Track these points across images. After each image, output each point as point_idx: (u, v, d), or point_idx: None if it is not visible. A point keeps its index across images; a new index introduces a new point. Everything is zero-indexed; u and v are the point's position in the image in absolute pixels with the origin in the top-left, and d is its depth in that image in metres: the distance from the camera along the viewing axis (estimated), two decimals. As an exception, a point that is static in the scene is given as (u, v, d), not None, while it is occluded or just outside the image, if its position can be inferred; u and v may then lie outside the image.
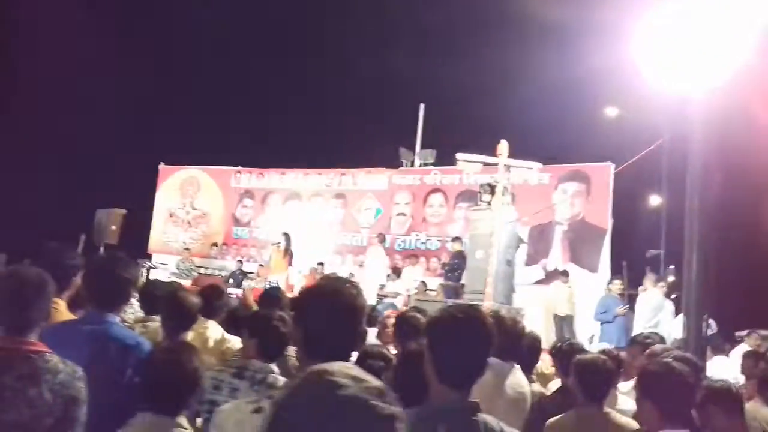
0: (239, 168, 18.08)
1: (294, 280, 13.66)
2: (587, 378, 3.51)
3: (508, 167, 8.86)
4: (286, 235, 13.78)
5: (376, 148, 17.17)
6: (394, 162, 16.84)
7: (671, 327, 9.40)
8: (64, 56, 17.58)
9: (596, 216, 14.06)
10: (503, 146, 8.83)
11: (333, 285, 2.06)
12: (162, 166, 18.75)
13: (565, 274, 12.76)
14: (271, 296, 5.01)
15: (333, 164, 17.23)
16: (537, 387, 4.50)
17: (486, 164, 8.91)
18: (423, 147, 16.99)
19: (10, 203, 16.43)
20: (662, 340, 5.46)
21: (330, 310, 1.91)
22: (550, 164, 14.50)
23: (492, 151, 9.06)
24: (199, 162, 18.52)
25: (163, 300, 3.97)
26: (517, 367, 3.66)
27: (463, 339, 2.01)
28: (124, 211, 16.03)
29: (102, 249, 15.81)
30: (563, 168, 14.49)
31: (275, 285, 9.77)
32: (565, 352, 4.33)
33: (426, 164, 16.53)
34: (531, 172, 8.96)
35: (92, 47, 18.41)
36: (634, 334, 9.57)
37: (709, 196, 5.89)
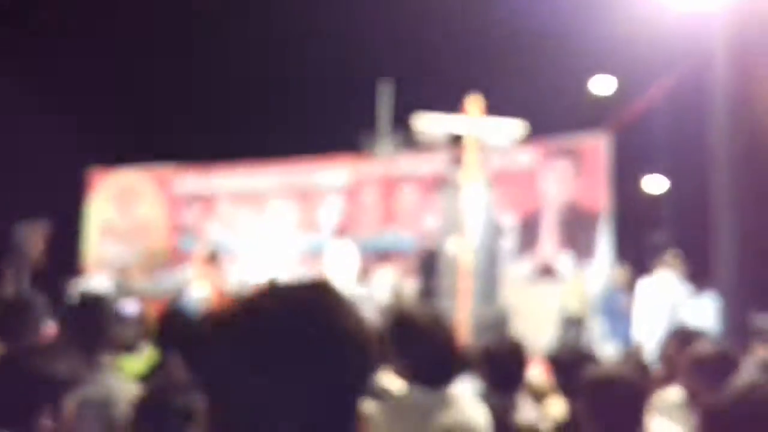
0: (181, 166, 16.59)
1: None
2: (606, 407, 2.21)
3: (480, 129, 7.45)
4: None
5: (336, 137, 15.76)
6: (357, 151, 15.48)
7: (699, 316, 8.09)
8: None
9: (590, 197, 12.84)
10: (474, 102, 7.41)
11: None
12: (91, 170, 17.15)
13: (569, 268, 11.48)
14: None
15: (286, 156, 15.76)
16: (527, 416, 3.20)
17: (452, 126, 7.47)
18: (390, 132, 15.66)
19: None
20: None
21: None
22: (538, 139, 13.30)
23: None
24: (134, 161, 16.96)
25: None
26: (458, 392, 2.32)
27: None
28: (46, 223, 14.57)
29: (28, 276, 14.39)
30: (549, 145, 13.26)
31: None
32: (566, 363, 3.05)
33: (394, 152, 15.21)
34: (509, 134, 7.55)
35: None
36: (650, 327, 8.37)
37: (740, 138, 4.65)
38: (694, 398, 2.59)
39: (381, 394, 2.26)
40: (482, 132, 7.32)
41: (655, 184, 19.79)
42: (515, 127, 7.62)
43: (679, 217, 17.71)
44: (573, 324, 10.88)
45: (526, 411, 3.24)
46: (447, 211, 8.42)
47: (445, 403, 2.16)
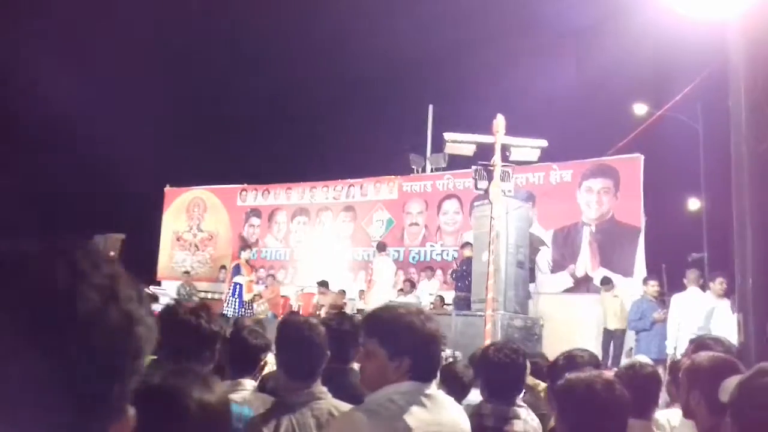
0: (245, 186, 16.84)
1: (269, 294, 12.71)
2: (576, 415, 1.93)
3: (507, 147, 7.22)
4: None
5: (385, 155, 15.69)
6: (404, 169, 15.34)
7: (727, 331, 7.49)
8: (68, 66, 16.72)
9: (627, 214, 12.27)
10: (499, 122, 7.20)
11: None
12: (168, 189, 17.66)
13: (607, 282, 10.89)
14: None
15: (340, 176, 15.85)
16: (523, 426, 2.88)
17: (480, 144, 7.28)
18: (434, 151, 15.42)
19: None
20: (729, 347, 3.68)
21: None
22: (573, 159, 12.93)
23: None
24: (205, 183, 17.37)
25: None
26: (430, 393, 2.01)
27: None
28: (122, 236, 15.00)
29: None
30: (587, 163, 12.76)
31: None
32: (564, 373, 2.73)
33: (438, 169, 14.96)
34: (533, 151, 7.27)
35: (100, 64, 17.58)
36: (679, 340, 7.84)
37: (762, 147, 4.21)
38: (687, 407, 2.25)
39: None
40: (506, 148, 7.07)
41: (693, 201, 18.84)
42: (537, 144, 7.32)
43: (717, 235, 16.78)
44: (615, 337, 10.33)
45: (527, 419, 2.94)
46: (480, 221, 8.10)
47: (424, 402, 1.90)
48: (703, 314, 7.80)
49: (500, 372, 2.86)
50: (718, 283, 7.81)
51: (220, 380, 1.53)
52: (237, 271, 12.60)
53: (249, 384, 3.07)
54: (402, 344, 1.95)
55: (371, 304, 10.11)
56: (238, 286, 12.40)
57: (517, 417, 2.84)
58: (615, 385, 1.98)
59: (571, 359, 2.63)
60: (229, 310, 12.14)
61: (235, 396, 2.73)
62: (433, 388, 1.99)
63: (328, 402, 2.32)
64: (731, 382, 1.72)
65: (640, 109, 17.01)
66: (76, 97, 17.13)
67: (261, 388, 3.31)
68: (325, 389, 2.37)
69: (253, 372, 3.13)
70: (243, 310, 12.35)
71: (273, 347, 3.27)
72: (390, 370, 1.93)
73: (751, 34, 3.85)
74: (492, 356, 2.91)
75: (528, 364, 3.42)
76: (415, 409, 1.88)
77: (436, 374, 2.03)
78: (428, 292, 12.70)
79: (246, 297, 12.48)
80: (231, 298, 12.32)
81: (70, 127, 16.83)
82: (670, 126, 17.30)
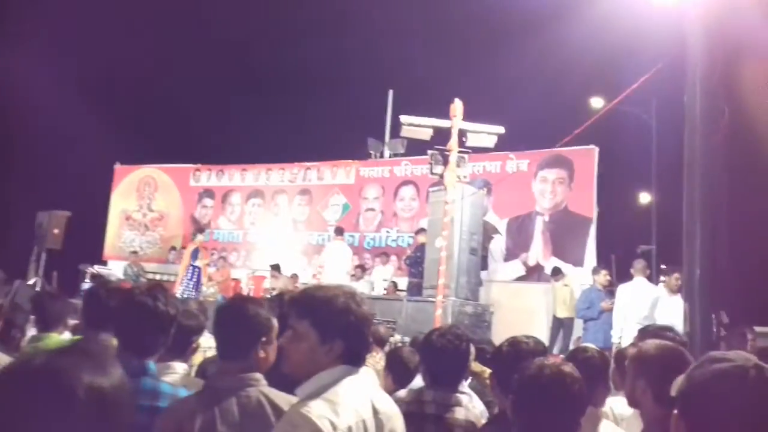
0: (198, 165, 16.38)
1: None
2: (528, 403, 1.83)
3: (464, 132, 7.11)
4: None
5: (343, 139, 15.48)
6: (362, 154, 15.15)
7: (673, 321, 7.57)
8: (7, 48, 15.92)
9: (580, 204, 12.38)
10: (457, 106, 7.08)
11: None
12: (117, 166, 17.04)
13: (557, 272, 10.95)
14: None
15: (297, 159, 15.56)
16: (465, 414, 2.76)
17: (437, 128, 7.16)
18: (392, 136, 15.27)
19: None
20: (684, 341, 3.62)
21: None
22: (532, 149, 12.95)
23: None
24: (157, 161, 16.82)
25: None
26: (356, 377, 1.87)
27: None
28: (68, 214, 14.35)
29: (44, 255, 14.19)
30: (543, 153, 12.81)
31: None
32: (508, 359, 2.60)
33: (396, 155, 14.82)
34: (490, 137, 7.18)
35: (44, 37, 16.78)
36: (624, 329, 7.90)
37: (715, 138, 4.19)
38: (633, 396, 2.16)
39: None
40: (463, 133, 6.97)
41: (643, 194, 19.23)
42: (495, 130, 7.23)
43: (666, 228, 17.17)
44: (560, 324, 10.44)
45: (469, 407, 2.82)
46: (435, 207, 8.01)
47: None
48: (648, 304, 7.87)
49: (443, 358, 2.74)
50: (674, 279, 7.81)
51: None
52: (196, 254, 12.29)
53: (180, 367, 2.87)
54: (336, 327, 1.80)
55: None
56: (197, 270, 12.10)
57: (459, 404, 2.72)
58: (577, 379, 1.87)
59: (516, 345, 2.52)
60: (188, 293, 11.86)
61: (166, 379, 2.54)
62: (364, 372, 1.85)
63: (259, 390, 2.13)
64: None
65: (596, 102, 17.21)
66: (19, 71, 16.34)
67: (202, 374, 3.11)
68: (260, 375, 2.18)
69: (184, 354, 2.93)
70: (197, 293, 12.05)
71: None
72: (321, 354, 1.78)
73: (708, 21, 3.81)
74: (435, 341, 2.78)
75: (473, 350, 3.31)
76: (353, 394, 1.74)
77: (365, 359, 1.88)
78: (383, 278, 12.60)
79: (203, 280, 12.22)
80: (188, 281, 12.02)
81: (12, 102, 16.07)
82: (625, 119, 17.59)
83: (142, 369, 2.35)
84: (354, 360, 1.80)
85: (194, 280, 12.05)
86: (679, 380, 1.74)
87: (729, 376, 1.16)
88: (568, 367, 1.99)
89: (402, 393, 3.02)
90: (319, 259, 12.82)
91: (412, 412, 2.67)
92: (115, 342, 3.00)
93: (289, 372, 1.87)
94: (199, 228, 13.71)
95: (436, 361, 2.78)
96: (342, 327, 1.79)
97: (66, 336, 3.94)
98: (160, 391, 2.33)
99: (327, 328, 1.79)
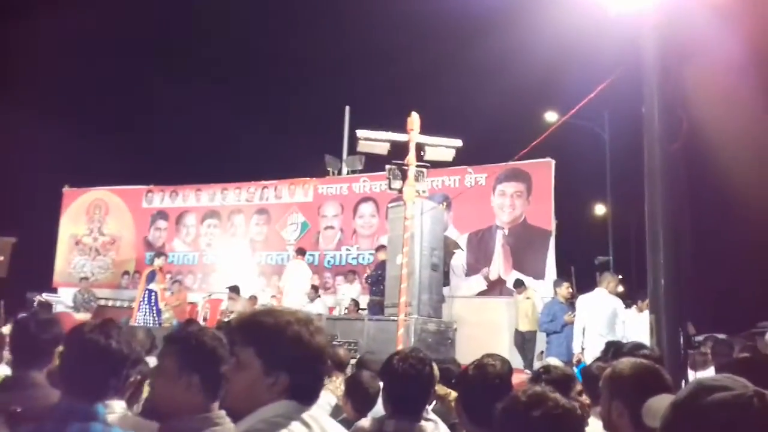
0: (151, 186, 15.89)
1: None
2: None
3: (422, 146, 6.99)
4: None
5: (300, 157, 15.24)
6: (319, 171, 14.94)
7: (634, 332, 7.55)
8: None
9: (539, 217, 12.41)
10: (414, 120, 6.96)
11: None
12: (66, 189, 16.38)
13: (520, 284, 10.90)
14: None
15: (254, 177, 15.25)
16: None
17: (394, 143, 7.02)
18: (350, 153, 15.11)
19: None
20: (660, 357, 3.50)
21: None
22: (490, 163, 12.94)
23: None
24: (108, 183, 16.26)
25: None
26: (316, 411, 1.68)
27: None
28: (13, 239, 13.76)
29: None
30: (501, 167, 12.81)
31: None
32: (475, 383, 2.42)
33: (354, 171, 14.65)
34: (448, 151, 7.09)
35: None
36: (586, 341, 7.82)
37: (674, 147, 4.14)
38: (609, 418, 2.01)
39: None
40: (421, 147, 6.86)
41: (601, 206, 19.51)
42: (453, 143, 7.14)
43: (621, 239, 17.46)
44: (522, 337, 10.37)
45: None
46: (394, 223, 7.85)
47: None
48: (608, 314, 7.81)
49: (405, 384, 2.54)
50: (645, 305, 7.73)
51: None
52: (152, 277, 11.90)
53: (117, 406, 2.60)
54: (282, 358, 1.59)
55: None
56: (153, 294, 11.73)
57: (424, 433, 2.53)
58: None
59: (482, 368, 2.35)
60: (146, 320, 11.45)
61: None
62: (315, 411, 1.64)
63: (225, 429, 1.88)
64: (659, 404, 1.46)
65: (551, 116, 17.44)
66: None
67: (149, 411, 2.83)
68: (223, 413, 1.92)
69: (121, 391, 2.66)
70: (159, 318, 11.67)
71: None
72: (262, 388, 1.56)
73: (662, 30, 3.78)
74: (396, 366, 2.59)
75: (437, 372, 3.13)
76: None
77: (318, 396, 1.67)
78: (350, 297, 12.30)
79: (161, 305, 11.84)
80: (145, 306, 11.62)
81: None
82: (580, 132, 17.86)
83: (91, 414, 2.09)
84: (302, 396, 1.60)
85: (151, 304, 11.66)
86: (655, 406, 1.58)
87: (731, 406, 1.01)
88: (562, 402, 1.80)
89: (365, 423, 2.81)
90: (281, 279, 12.49)
91: (373, 444, 2.47)
92: (43, 379, 2.74)
93: (228, 405, 1.65)
94: (158, 252, 13.35)
95: (398, 388, 2.58)
96: (289, 359, 1.59)
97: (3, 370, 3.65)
98: None
99: (272, 359, 1.58)
